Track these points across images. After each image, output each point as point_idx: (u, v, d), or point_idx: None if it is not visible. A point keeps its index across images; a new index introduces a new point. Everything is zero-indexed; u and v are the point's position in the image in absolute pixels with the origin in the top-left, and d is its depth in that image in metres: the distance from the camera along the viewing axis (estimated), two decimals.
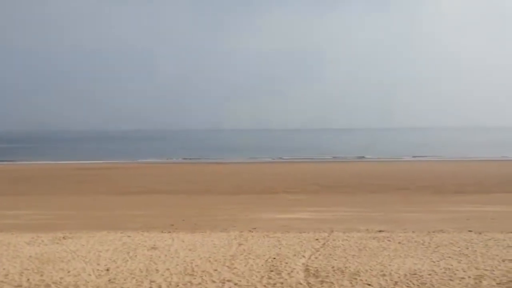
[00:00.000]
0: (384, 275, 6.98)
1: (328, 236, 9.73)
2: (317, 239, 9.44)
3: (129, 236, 9.98)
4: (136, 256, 8.28)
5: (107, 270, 7.46)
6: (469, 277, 6.82)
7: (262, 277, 6.99)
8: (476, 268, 7.24)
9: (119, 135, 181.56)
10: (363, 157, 52.63)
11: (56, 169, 38.33)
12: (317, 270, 7.27)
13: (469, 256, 7.96)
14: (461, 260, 7.70)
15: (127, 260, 7.99)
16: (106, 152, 67.02)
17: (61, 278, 7.09)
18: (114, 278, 7.02)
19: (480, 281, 6.63)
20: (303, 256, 8.09)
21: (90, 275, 7.23)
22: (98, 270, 7.47)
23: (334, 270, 7.24)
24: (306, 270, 7.29)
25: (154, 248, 8.87)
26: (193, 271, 7.32)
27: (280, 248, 8.70)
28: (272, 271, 7.26)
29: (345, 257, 8.00)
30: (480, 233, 9.94)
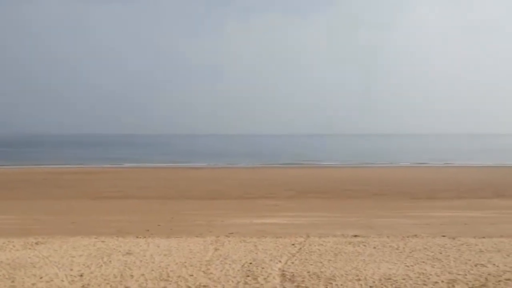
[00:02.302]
0: (359, 279, 7.03)
1: (304, 241, 9.75)
2: (293, 244, 9.46)
3: (103, 241, 9.83)
4: (110, 261, 8.17)
5: (81, 275, 7.34)
6: (442, 281, 6.91)
7: (238, 282, 6.96)
8: (449, 273, 7.34)
9: (94, 139, 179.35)
10: (329, 163, 53.04)
11: (30, 173, 37.64)
12: (293, 275, 7.28)
13: (442, 261, 8.07)
14: (435, 265, 7.80)
15: (101, 266, 7.87)
16: (81, 156, 66.12)
17: (33, 284, 6.94)
18: (88, 284, 6.91)
19: (453, 285, 6.73)
20: (279, 261, 8.09)
21: (63, 281, 7.10)
22: (71, 275, 7.34)
23: (310, 275, 7.25)
24: (282, 275, 7.29)
25: (129, 253, 8.76)
26: (168, 276, 7.25)
27: (256, 253, 8.68)
28: (248, 276, 7.23)
29: (321, 262, 8.03)
30: (453, 238, 10.09)
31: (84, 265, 7.95)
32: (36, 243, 9.70)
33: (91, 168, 43.22)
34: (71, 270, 7.65)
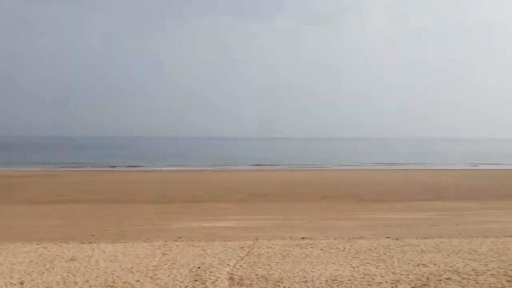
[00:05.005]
0: (306, 281, 7.12)
1: (253, 244, 9.79)
2: (242, 247, 9.47)
3: (45, 248, 9.50)
4: (53, 268, 7.90)
5: (21, 283, 7.06)
6: (386, 281, 7.11)
7: (186, 287, 6.90)
8: (393, 273, 7.56)
9: (38, 141, 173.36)
10: (257, 166, 53.51)
11: None
12: (242, 278, 7.29)
13: (386, 262, 8.30)
14: (379, 266, 8.02)
15: (43, 273, 7.60)
16: (23, 159, 63.63)
17: None
18: None
19: (397, 285, 6.93)
20: (228, 265, 8.08)
21: None
22: (11, 283, 7.05)
23: (258, 278, 7.29)
24: (231, 278, 7.29)
25: (72, 259, 8.50)
26: (114, 282, 7.09)
27: (205, 257, 8.64)
28: (196, 280, 7.18)
29: (269, 265, 8.08)
30: (397, 239, 10.40)
31: (25, 272, 7.65)
32: None
33: (34, 172, 41.68)
34: (11, 278, 7.34)
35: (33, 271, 7.70)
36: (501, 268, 7.83)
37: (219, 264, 8.16)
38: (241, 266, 8.03)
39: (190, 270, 7.77)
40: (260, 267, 7.93)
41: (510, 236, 10.98)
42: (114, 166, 50.83)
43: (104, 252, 9.16)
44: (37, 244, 9.96)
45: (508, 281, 7.13)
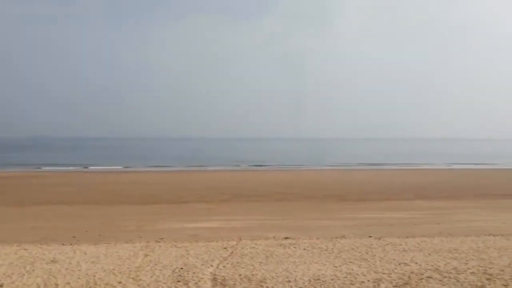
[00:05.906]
0: (289, 281, 7.14)
1: (237, 245, 9.78)
2: (225, 248, 9.46)
3: (26, 249, 9.37)
4: (33, 270, 7.79)
5: (1, 286, 6.95)
6: (369, 280, 7.16)
7: None
8: (375, 272, 7.61)
9: (20, 142, 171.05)
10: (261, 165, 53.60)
11: None
12: (225, 278, 7.27)
13: (368, 261, 8.36)
14: (362, 265, 8.07)
15: (23, 275, 7.49)
16: (4, 160, 62.63)
17: None
18: None
19: (379, 284, 6.98)
20: (211, 265, 8.06)
21: None
22: None
23: (241, 278, 7.28)
24: (214, 279, 7.27)
25: (53, 261, 8.40)
26: (95, 284, 7.02)
27: (188, 258, 8.60)
28: (179, 281, 7.15)
29: (252, 265, 8.08)
30: (379, 239, 10.48)
31: (4, 274, 7.53)
32: None
33: (15, 173, 41.08)
34: None
35: (13, 273, 7.59)
36: (481, 267, 7.95)
37: (202, 264, 8.13)
38: (224, 266, 8.02)
39: (173, 271, 7.74)
40: (243, 268, 7.93)
41: (490, 234, 11.15)
42: (86, 167, 50.44)
43: (85, 253, 9.06)
44: (17, 245, 9.82)
45: (488, 279, 7.23)
